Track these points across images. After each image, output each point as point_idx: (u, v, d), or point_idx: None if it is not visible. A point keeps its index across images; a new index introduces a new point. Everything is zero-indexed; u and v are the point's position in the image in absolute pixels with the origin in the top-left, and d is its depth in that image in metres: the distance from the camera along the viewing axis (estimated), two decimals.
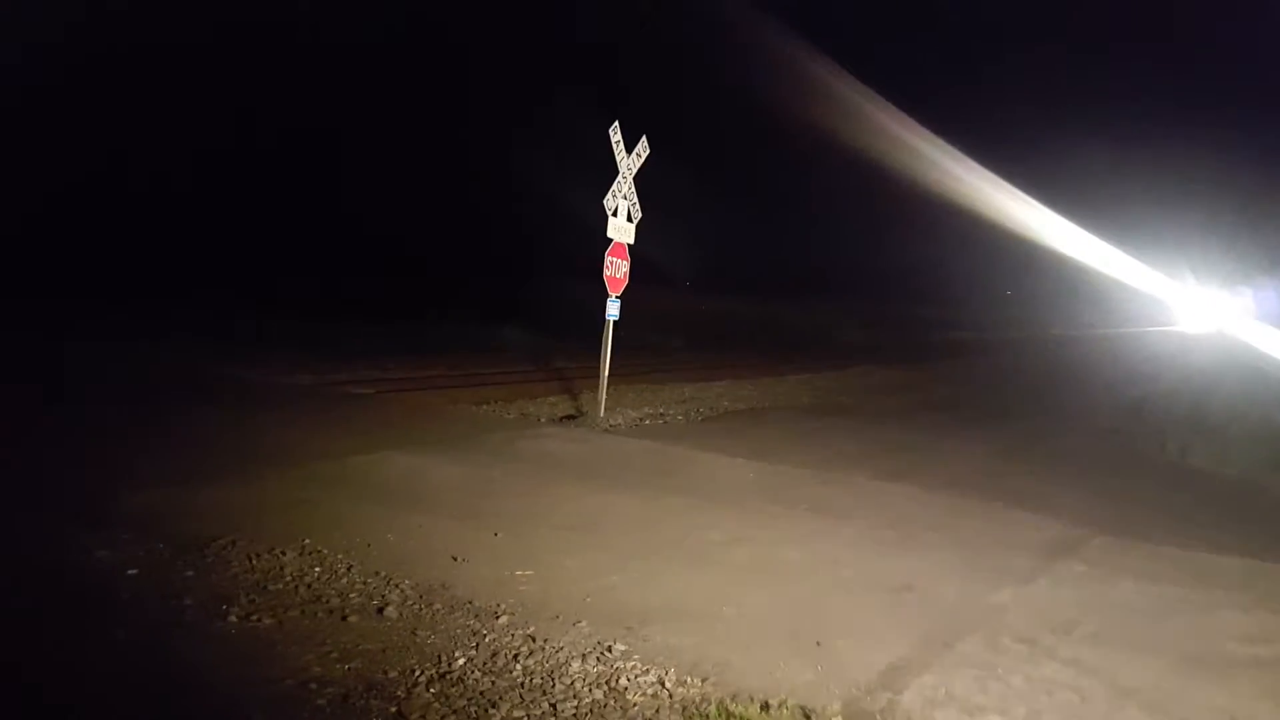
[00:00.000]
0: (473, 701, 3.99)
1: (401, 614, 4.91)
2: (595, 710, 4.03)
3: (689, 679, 4.32)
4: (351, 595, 5.14)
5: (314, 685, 4.03)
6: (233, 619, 4.69)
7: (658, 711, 4.05)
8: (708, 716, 4.01)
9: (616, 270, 11.98)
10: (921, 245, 51.33)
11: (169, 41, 24.79)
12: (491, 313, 26.30)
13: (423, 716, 3.87)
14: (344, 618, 4.81)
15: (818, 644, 4.84)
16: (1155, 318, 58.32)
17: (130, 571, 5.27)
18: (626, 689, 4.20)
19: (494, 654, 4.47)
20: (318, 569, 5.50)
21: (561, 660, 4.44)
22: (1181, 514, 8.82)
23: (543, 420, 12.18)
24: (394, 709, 3.90)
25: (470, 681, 4.17)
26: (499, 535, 6.45)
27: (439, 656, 4.40)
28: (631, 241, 12.16)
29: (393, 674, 4.19)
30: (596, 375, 12.28)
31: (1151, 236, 41.58)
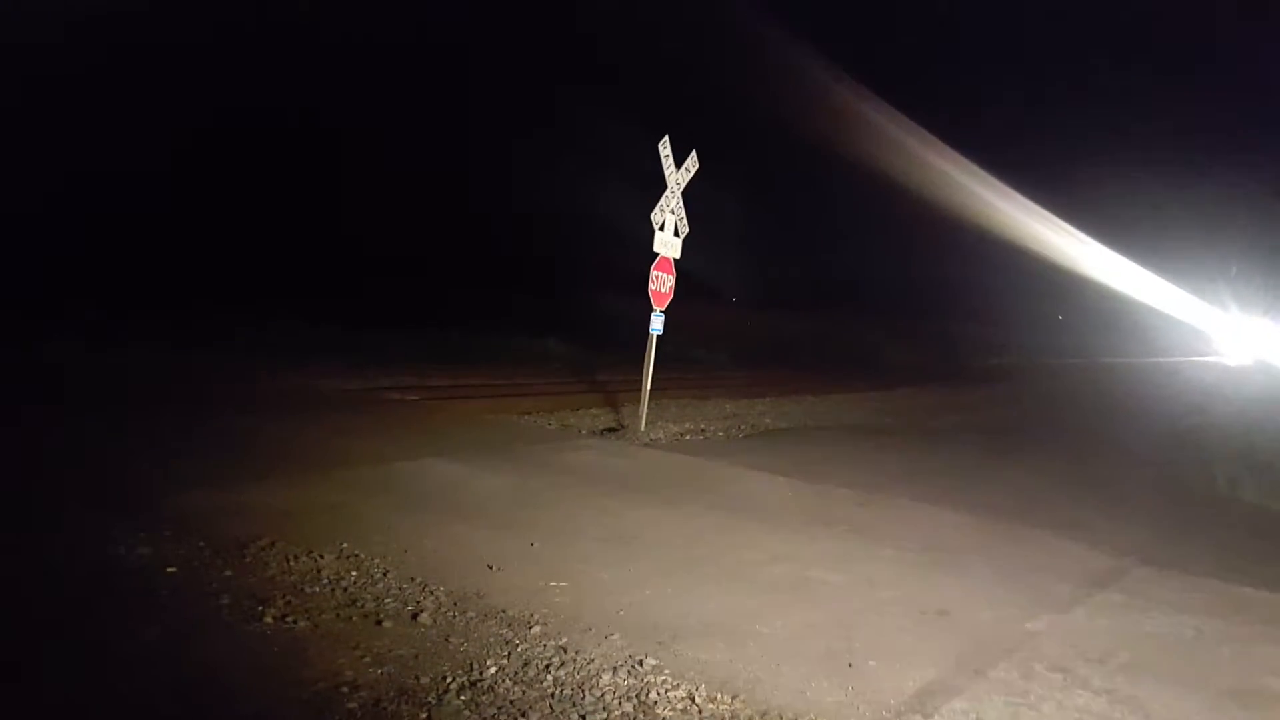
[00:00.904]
0: (503, 710, 4.01)
1: (435, 620, 4.95)
2: None
3: (719, 695, 4.32)
4: (387, 600, 5.19)
5: (346, 689, 4.07)
6: (268, 620, 4.75)
7: None
8: None
9: (662, 285, 12.01)
10: (967, 268, 50.93)
11: (170, 41, 24.98)
12: (534, 324, 26.40)
13: None
14: (378, 622, 4.86)
15: (849, 665, 4.82)
16: (1195, 347, 57.53)
17: (170, 569, 5.36)
18: (656, 703, 4.21)
19: (525, 663, 4.50)
20: (354, 573, 5.56)
21: (592, 672, 4.46)
22: (1227, 547, 8.66)
23: (583, 432, 12.22)
24: (425, 715, 3.93)
25: (501, 690, 4.20)
26: (535, 545, 6.49)
27: (471, 664, 4.43)
28: (678, 256, 12.19)
29: (424, 680, 4.23)
30: (638, 389, 12.30)
31: (1193, 264, 41.07)
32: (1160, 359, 52.97)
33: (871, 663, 4.87)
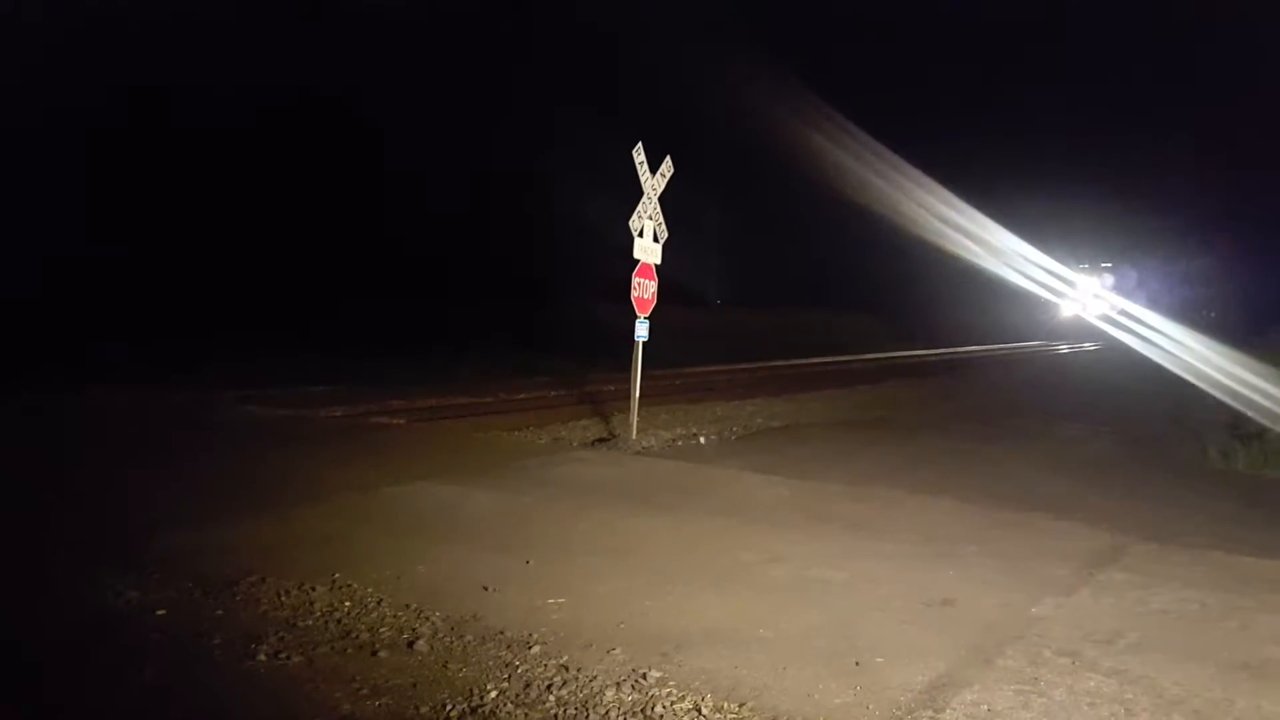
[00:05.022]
0: None
1: (432, 647, 4.86)
2: None
3: (726, 704, 4.24)
4: (382, 629, 5.10)
5: None
6: (261, 657, 4.65)
7: None
8: None
9: (644, 291, 11.96)
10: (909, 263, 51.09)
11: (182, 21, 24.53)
12: (520, 337, 26.27)
13: None
14: (374, 653, 4.77)
15: (856, 664, 4.75)
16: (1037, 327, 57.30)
17: (159, 612, 5.26)
18: (662, 717, 4.13)
19: (527, 685, 4.41)
20: (348, 603, 5.47)
21: (595, 690, 4.38)
22: (1225, 518, 8.65)
23: (574, 444, 12.15)
24: None
25: (503, 715, 4.11)
26: (531, 563, 6.40)
27: (471, 690, 4.35)
28: (658, 261, 12.14)
29: (424, 709, 4.14)
30: (628, 397, 12.24)
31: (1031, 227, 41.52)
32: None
33: (878, 660, 4.81)
